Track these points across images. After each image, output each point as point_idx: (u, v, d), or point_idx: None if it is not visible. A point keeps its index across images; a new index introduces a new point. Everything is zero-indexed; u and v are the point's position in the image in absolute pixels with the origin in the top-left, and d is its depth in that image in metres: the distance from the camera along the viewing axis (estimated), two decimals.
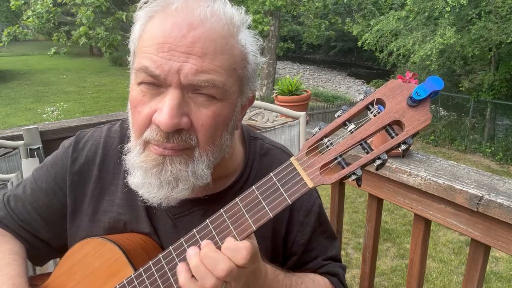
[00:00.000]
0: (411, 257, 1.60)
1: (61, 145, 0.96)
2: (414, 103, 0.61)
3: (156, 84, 0.68)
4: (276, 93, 2.14)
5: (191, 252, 0.67)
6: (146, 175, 0.72)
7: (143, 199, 0.76)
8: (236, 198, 0.69)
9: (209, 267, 0.64)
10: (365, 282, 1.84)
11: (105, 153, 0.91)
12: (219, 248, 0.66)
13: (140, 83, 0.69)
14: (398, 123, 0.62)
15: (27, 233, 0.93)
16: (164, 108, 0.66)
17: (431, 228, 1.56)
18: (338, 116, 0.64)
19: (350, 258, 4.85)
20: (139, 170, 0.73)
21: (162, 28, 0.67)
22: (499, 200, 1.21)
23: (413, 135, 0.61)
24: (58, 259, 1.58)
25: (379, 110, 0.62)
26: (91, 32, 9.02)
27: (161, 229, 0.87)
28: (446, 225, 1.40)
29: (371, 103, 0.63)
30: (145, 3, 0.71)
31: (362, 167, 0.63)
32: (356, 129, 0.63)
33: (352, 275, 4.44)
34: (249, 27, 0.75)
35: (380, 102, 0.63)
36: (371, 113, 0.63)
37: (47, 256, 1.00)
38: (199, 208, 0.85)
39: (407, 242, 5.15)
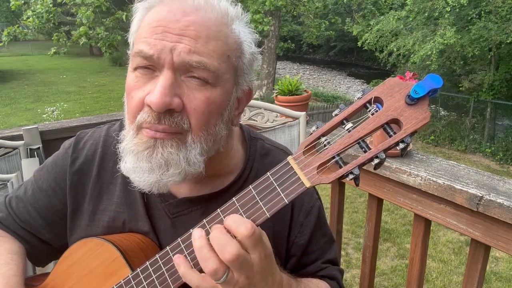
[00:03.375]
0: (411, 257, 1.60)
1: (62, 145, 0.96)
2: (412, 101, 0.60)
3: (150, 68, 0.69)
4: (276, 93, 2.14)
5: (197, 234, 0.65)
6: (137, 159, 0.71)
7: (135, 187, 0.75)
8: (233, 198, 0.68)
9: (216, 249, 0.63)
10: (365, 282, 1.84)
11: (104, 153, 0.91)
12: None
13: (135, 69, 0.70)
14: (396, 121, 0.61)
15: (28, 234, 0.93)
16: (156, 88, 0.67)
17: (431, 228, 1.56)
18: (336, 115, 0.64)
19: (350, 258, 4.84)
20: (130, 154, 0.72)
21: (158, 15, 0.69)
22: (499, 200, 1.21)
23: (412, 134, 0.60)
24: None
25: (377, 109, 0.62)
26: (91, 32, 9.02)
27: (160, 228, 0.87)
28: (446, 225, 1.40)
29: (369, 102, 0.62)
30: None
31: (360, 166, 0.62)
32: (353, 128, 0.62)
33: (352, 275, 4.43)
34: (246, 23, 0.76)
35: (378, 100, 0.62)
36: (369, 111, 0.62)
37: (48, 257, 1.00)
38: (198, 207, 0.85)
39: (407, 242, 5.15)
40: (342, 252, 4.84)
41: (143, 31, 0.70)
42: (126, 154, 0.74)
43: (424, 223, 1.52)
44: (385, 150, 0.61)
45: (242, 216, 0.67)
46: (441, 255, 4.99)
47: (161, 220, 0.86)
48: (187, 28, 0.67)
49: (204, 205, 0.84)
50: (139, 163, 0.71)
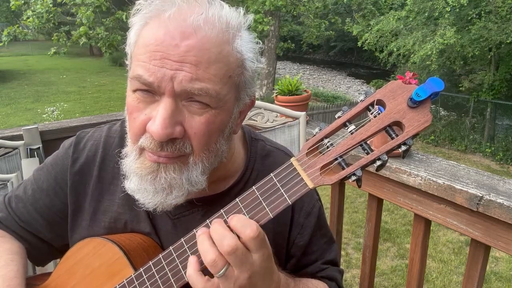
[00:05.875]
0: (411, 257, 1.60)
1: (62, 145, 0.96)
2: (415, 104, 0.61)
3: (150, 91, 0.67)
4: (276, 93, 2.14)
5: (200, 230, 0.67)
6: (141, 181, 0.72)
7: (141, 204, 0.76)
8: (237, 198, 0.69)
9: (215, 241, 0.64)
10: (365, 282, 1.84)
11: (105, 153, 0.91)
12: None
13: (135, 91, 0.69)
14: (398, 124, 0.62)
15: (29, 234, 0.93)
16: (157, 118, 0.66)
17: (431, 228, 1.56)
18: (339, 117, 0.64)
19: (350, 258, 4.85)
20: (135, 176, 0.73)
21: (155, 37, 0.66)
22: (499, 200, 1.21)
23: (413, 136, 0.61)
24: (58, 260, 1.58)
25: (379, 111, 0.62)
26: (91, 32, 8.99)
27: (161, 229, 0.87)
28: (446, 225, 1.40)
29: (372, 104, 0.63)
30: (139, 9, 0.70)
31: (362, 167, 0.63)
32: (356, 130, 0.63)
33: (352, 275, 4.44)
34: (249, 27, 0.74)
35: (380, 103, 0.63)
36: (372, 114, 0.63)
37: (49, 257, 1.00)
38: (199, 209, 0.85)
39: (407, 242, 5.16)
40: (342, 252, 4.85)
41: (140, 53, 0.67)
42: (130, 174, 0.75)
43: (424, 223, 1.52)
44: (387, 152, 0.62)
45: (246, 216, 0.67)
46: (441, 255, 5.00)
47: (162, 221, 0.87)
48: (187, 54, 0.64)
49: (205, 206, 0.85)
50: (143, 185, 0.72)
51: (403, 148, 0.61)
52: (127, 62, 0.74)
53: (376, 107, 0.63)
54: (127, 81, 0.72)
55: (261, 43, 0.76)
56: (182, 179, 0.71)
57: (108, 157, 0.90)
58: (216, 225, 0.66)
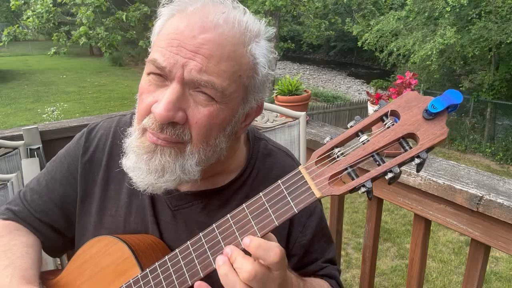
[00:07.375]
0: (411, 257, 1.60)
1: (74, 137, 1.00)
2: (430, 116, 0.58)
3: (162, 76, 0.71)
4: (276, 93, 2.14)
5: (220, 261, 0.66)
6: (137, 160, 0.75)
7: (132, 182, 0.78)
8: (243, 204, 0.69)
9: (237, 271, 0.64)
10: (365, 282, 1.84)
11: (113, 143, 0.94)
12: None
13: (148, 74, 0.73)
14: (412, 136, 0.60)
15: (44, 225, 0.95)
16: (162, 101, 0.69)
17: (431, 228, 1.56)
18: (351, 126, 0.63)
19: (350, 258, 4.85)
20: (133, 154, 0.76)
21: (176, 27, 0.71)
22: (499, 200, 1.22)
23: (428, 149, 0.58)
24: (58, 260, 1.58)
25: (393, 122, 0.60)
26: (91, 32, 8.99)
27: (161, 219, 0.89)
28: (446, 225, 1.41)
29: (386, 115, 0.61)
30: (170, 0, 0.75)
31: (373, 179, 0.61)
32: (368, 141, 0.61)
33: (352, 275, 4.44)
34: (268, 39, 0.77)
35: (394, 113, 0.61)
36: (385, 124, 0.61)
37: (63, 248, 1.02)
38: (198, 202, 0.87)
39: (407, 242, 5.16)
40: (342, 252, 4.85)
41: (161, 40, 0.72)
42: (129, 152, 0.78)
43: (424, 223, 1.52)
44: (399, 165, 0.59)
45: (251, 221, 0.67)
46: (441, 255, 5.00)
47: (163, 212, 0.89)
48: (201, 46, 0.68)
49: (205, 200, 0.87)
50: (139, 164, 0.75)
51: (417, 161, 0.58)
52: (149, 49, 0.78)
53: (391, 117, 0.61)
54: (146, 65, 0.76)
55: (276, 53, 0.78)
56: (176, 165, 0.74)
57: (116, 147, 0.93)
58: (234, 253, 0.65)
